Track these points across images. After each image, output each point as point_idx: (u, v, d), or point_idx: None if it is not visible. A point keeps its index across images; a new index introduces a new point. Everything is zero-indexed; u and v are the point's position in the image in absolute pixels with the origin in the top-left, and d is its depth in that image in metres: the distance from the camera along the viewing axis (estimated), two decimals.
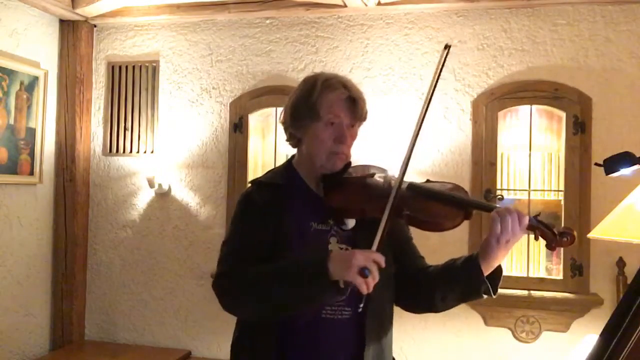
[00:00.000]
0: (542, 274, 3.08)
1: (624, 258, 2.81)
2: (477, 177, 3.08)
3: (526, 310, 2.98)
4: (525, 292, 2.99)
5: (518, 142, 3.17)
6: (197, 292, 3.45)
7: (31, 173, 3.36)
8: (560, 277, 2.99)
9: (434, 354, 3.09)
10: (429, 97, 1.37)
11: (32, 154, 3.35)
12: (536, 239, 1.24)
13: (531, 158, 3.12)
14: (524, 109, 3.14)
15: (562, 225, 3.00)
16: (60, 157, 3.56)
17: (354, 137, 1.44)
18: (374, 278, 1.15)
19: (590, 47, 2.99)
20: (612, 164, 1.74)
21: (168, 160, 3.51)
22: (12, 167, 3.22)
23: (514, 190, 3.17)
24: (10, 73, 3.19)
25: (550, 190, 3.12)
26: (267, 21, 3.42)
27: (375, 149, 3.08)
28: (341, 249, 1.37)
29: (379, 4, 3.13)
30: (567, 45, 3.02)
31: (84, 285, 3.61)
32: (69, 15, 3.47)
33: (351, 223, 1.40)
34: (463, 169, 3.12)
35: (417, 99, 3.17)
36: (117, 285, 3.59)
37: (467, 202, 1.31)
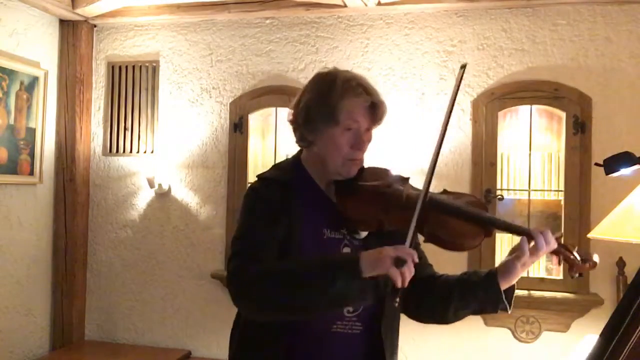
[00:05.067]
0: (542, 274, 3.08)
1: (624, 258, 2.81)
2: (477, 177, 3.08)
3: (526, 310, 2.98)
4: (525, 292, 2.98)
5: (518, 142, 3.16)
6: (197, 292, 3.45)
7: (31, 173, 3.36)
8: (560, 277, 2.99)
9: (434, 354, 3.09)
10: (449, 111, 1.32)
11: (32, 154, 3.35)
12: (559, 263, 1.21)
13: (531, 158, 3.12)
14: (524, 109, 3.14)
15: (563, 227, 3.00)
16: (60, 157, 3.56)
17: (369, 140, 1.38)
18: (409, 270, 1.10)
19: (590, 47, 2.99)
20: (612, 164, 1.74)
21: (168, 160, 3.51)
22: (12, 167, 3.22)
23: (514, 190, 3.17)
24: (10, 73, 3.19)
25: (550, 190, 3.12)
26: (267, 21, 3.42)
27: (374, 149, 3.07)
28: None
29: (379, 4, 3.13)
30: (567, 45, 3.02)
31: (84, 285, 3.61)
32: (69, 15, 3.47)
33: (364, 232, 1.35)
34: (463, 169, 3.11)
35: (417, 99, 3.17)
36: (117, 285, 3.59)
37: (492, 221, 1.25)
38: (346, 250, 1.32)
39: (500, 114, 3.12)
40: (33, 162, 3.36)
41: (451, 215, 1.25)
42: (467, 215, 1.24)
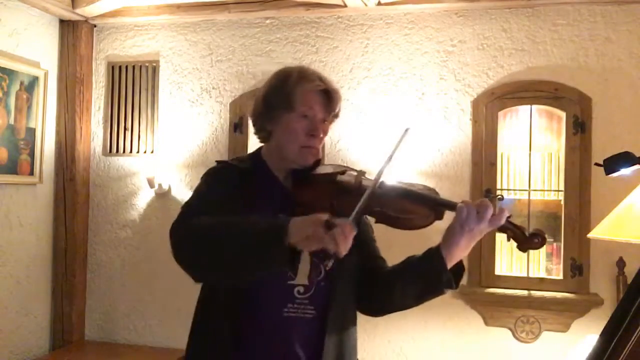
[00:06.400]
0: (542, 274, 3.08)
1: (624, 258, 2.81)
2: (477, 177, 3.08)
3: (526, 310, 2.98)
4: (525, 292, 2.99)
5: (518, 142, 3.17)
6: (197, 292, 3.43)
7: (31, 173, 3.35)
8: (560, 277, 2.99)
9: (434, 354, 3.09)
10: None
11: (32, 154, 3.35)
12: (508, 239, 1.24)
13: (531, 158, 3.12)
14: (524, 109, 3.14)
15: (563, 227, 3.00)
16: (60, 157, 3.56)
17: (326, 132, 1.40)
18: (343, 236, 1.04)
19: (590, 47, 2.99)
20: (612, 164, 1.74)
21: (168, 160, 3.51)
22: (12, 167, 3.21)
23: (514, 190, 3.17)
24: (10, 73, 3.19)
25: (550, 190, 3.12)
26: (267, 21, 3.42)
27: (374, 149, 3.08)
28: None
29: (379, 4, 3.13)
30: (567, 45, 3.02)
31: (84, 285, 3.61)
32: (69, 15, 3.47)
33: None
34: (463, 169, 3.12)
35: (417, 99, 3.17)
36: (117, 285, 3.59)
37: (439, 202, 1.30)
38: None
39: (500, 114, 3.12)
40: (33, 162, 3.36)
41: (401, 196, 1.30)
42: (415, 196, 1.30)
